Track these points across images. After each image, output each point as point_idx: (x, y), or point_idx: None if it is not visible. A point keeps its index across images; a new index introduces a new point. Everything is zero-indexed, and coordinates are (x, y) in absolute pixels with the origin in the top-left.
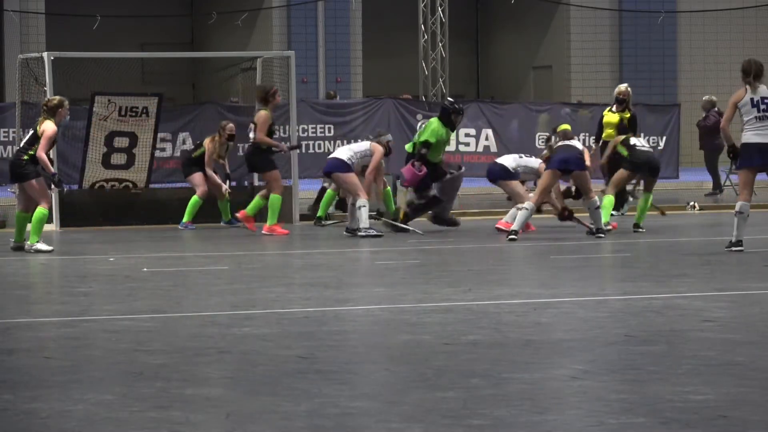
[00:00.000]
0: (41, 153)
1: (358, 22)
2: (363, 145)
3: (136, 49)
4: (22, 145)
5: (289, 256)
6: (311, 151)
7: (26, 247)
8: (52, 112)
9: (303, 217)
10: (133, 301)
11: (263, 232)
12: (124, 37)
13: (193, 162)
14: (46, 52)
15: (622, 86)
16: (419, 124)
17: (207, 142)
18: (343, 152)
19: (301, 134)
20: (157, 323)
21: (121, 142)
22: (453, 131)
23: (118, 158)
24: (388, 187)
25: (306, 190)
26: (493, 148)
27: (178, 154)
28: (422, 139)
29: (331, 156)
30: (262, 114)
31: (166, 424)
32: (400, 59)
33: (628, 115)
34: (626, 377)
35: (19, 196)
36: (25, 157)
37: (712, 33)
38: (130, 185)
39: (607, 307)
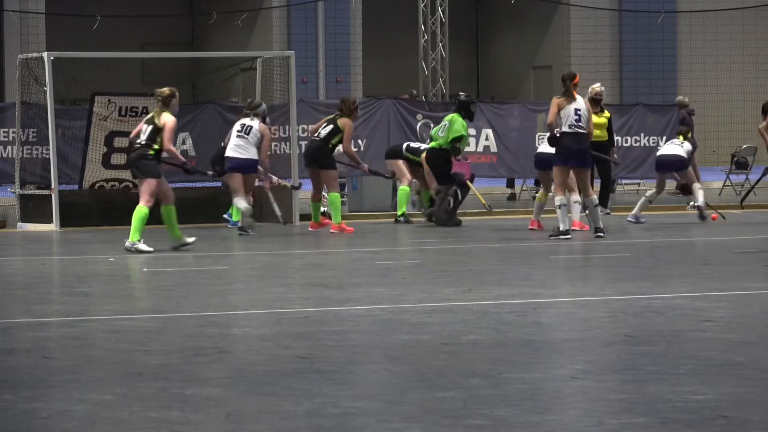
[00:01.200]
0: (168, 145)
1: (358, 22)
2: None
3: (136, 49)
4: (143, 140)
5: (289, 256)
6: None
7: (127, 245)
8: (166, 102)
9: (303, 217)
10: (133, 301)
11: (331, 231)
12: (124, 37)
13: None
14: (46, 52)
15: (597, 86)
16: (443, 124)
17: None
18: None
19: (301, 134)
20: (157, 323)
21: (122, 142)
22: (471, 121)
23: (118, 158)
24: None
25: (305, 190)
26: (493, 148)
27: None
28: (455, 135)
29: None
30: (348, 122)
31: (166, 424)
32: (399, 59)
33: (608, 116)
34: (626, 377)
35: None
36: (151, 152)
37: (712, 33)
38: (130, 185)
39: (607, 307)
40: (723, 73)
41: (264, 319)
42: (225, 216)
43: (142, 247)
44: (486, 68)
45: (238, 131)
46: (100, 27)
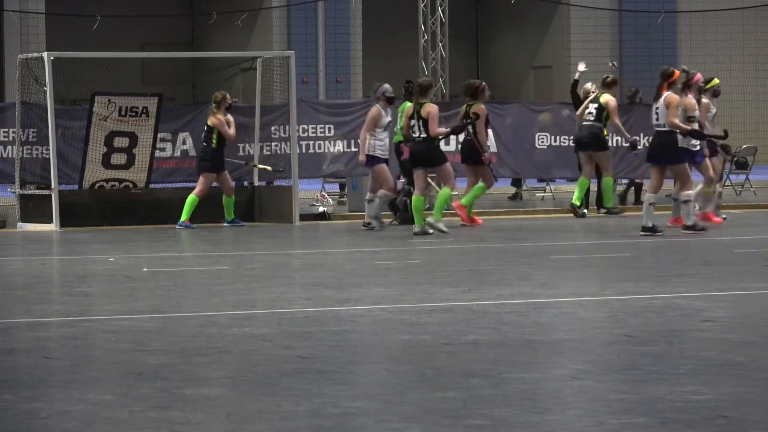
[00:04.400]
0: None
1: (358, 22)
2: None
3: (137, 49)
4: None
5: (289, 256)
6: (311, 151)
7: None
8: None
9: (303, 217)
10: (133, 301)
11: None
12: (124, 37)
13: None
14: (46, 52)
15: (590, 85)
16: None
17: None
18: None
19: (301, 134)
20: (157, 323)
21: (121, 142)
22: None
23: (118, 158)
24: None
25: (305, 190)
26: (493, 148)
27: (178, 154)
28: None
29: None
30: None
31: (166, 424)
32: (399, 59)
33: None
34: (626, 377)
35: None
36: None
37: (712, 33)
38: (130, 185)
39: (607, 307)
40: (723, 73)
41: (264, 319)
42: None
43: (442, 224)
44: (486, 68)
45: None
46: (100, 27)
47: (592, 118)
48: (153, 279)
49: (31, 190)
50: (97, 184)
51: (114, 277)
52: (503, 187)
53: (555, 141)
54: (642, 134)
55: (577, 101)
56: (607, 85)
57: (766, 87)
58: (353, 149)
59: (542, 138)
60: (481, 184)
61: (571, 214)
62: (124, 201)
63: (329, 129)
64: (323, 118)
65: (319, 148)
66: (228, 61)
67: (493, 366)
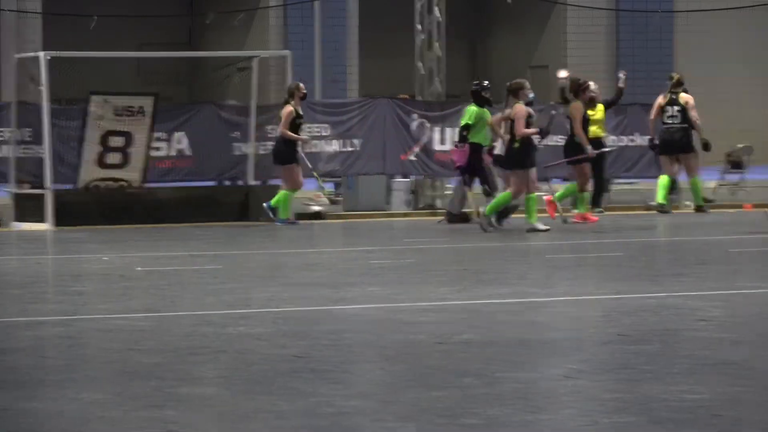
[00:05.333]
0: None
1: (354, 22)
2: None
3: (134, 48)
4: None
5: (284, 255)
6: (307, 150)
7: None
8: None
9: (298, 216)
10: (128, 300)
11: (575, 221)
12: (121, 36)
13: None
14: (42, 52)
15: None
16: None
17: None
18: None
19: None
20: (151, 322)
21: (117, 141)
22: (491, 106)
23: (113, 157)
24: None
25: (306, 190)
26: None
27: (174, 153)
28: (462, 124)
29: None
30: (577, 106)
31: (160, 423)
32: (397, 59)
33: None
34: (620, 376)
35: None
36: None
37: (709, 33)
38: (125, 184)
39: (601, 307)
40: (720, 73)
41: (259, 318)
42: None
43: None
44: (483, 68)
45: None
46: (97, 27)
47: (678, 121)
48: (147, 278)
49: (27, 190)
50: (93, 184)
51: (108, 276)
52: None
53: (550, 140)
54: (638, 134)
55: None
56: (679, 84)
57: (762, 87)
58: (349, 149)
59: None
60: (573, 183)
61: (656, 212)
62: (122, 200)
63: (325, 128)
64: (319, 117)
65: (315, 147)
66: (225, 60)
67: (487, 365)
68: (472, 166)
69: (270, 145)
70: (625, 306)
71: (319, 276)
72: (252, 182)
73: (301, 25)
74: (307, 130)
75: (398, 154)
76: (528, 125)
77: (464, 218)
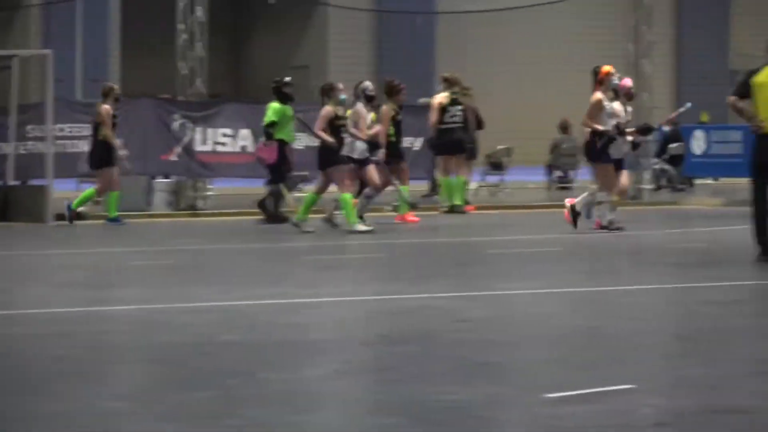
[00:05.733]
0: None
1: (116, 22)
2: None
3: None
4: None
5: (45, 256)
6: (69, 150)
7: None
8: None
9: (58, 217)
10: None
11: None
12: None
13: None
14: None
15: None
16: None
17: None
18: None
19: (58, 133)
20: None
21: None
22: (293, 101)
23: None
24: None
25: (60, 190)
26: (250, 148)
27: None
28: (266, 122)
29: None
30: (386, 109)
31: None
32: (158, 58)
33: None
34: (382, 377)
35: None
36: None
37: (467, 35)
38: None
39: (364, 308)
40: (482, 74)
41: (19, 319)
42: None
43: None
44: (246, 68)
45: None
46: None
47: (459, 120)
48: None
49: None
50: None
51: None
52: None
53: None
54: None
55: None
56: (453, 84)
57: (524, 88)
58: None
59: (299, 138)
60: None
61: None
62: None
63: (87, 128)
64: (79, 117)
65: (75, 147)
66: None
67: (251, 366)
68: (278, 163)
69: (30, 144)
70: (387, 307)
71: (80, 277)
72: (11, 182)
73: (62, 24)
74: (67, 130)
75: (159, 154)
76: (325, 127)
77: (282, 218)
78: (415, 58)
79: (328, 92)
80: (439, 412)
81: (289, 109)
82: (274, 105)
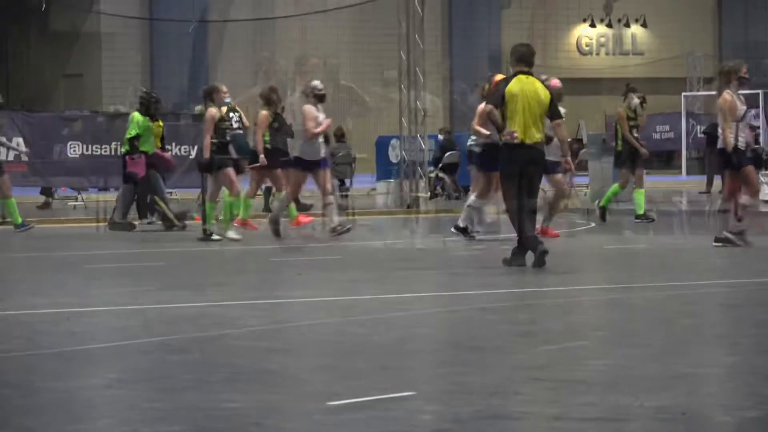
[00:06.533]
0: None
1: None
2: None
3: None
4: None
5: None
6: None
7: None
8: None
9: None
10: None
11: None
12: None
13: None
14: None
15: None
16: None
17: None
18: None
19: None
20: None
21: None
22: (157, 112)
23: None
24: None
25: None
26: (24, 157)
27: None
28: (132, 134)
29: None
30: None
31: None
32: None
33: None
34: (160, 386)
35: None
36: None
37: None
38: None
39: (142, 316)
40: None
41: None
42: None
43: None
44: (17, 76)
45: None
46: None
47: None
48: None
49: None
50: None
51: None
52: (33, 197)
53: (87, 150)
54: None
55: None
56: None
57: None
58: None
59: (74, 147)
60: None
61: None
62: None
63: None
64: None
65: None
66: None
67: (26, 376)
68: (147, 175)
69: None
70: (166, 315)
71: None
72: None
73: None
74: None
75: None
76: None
77: (129, 226)
78: (191, 66)
79: (210, 94)
80: (220, 420)
81: (150, 122)
82: (138, 117)
